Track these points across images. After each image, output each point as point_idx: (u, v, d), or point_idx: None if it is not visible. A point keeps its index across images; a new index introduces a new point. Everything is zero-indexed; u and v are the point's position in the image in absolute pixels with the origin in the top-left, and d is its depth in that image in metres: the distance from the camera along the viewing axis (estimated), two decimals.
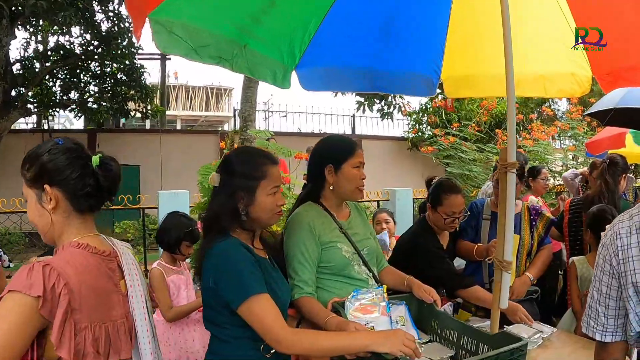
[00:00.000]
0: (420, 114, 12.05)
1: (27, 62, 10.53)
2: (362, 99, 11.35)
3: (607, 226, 1.55)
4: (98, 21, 9.98)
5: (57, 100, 10.71)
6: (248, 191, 1.75)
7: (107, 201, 1.54)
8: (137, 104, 11.40)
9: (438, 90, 3.57)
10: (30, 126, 13.85)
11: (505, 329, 2.39)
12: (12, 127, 11.09)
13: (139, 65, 10.92)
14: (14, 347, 1.22)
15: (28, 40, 10.73)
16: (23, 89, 10.23)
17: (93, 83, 10.84)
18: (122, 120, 15.16)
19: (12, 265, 3.98)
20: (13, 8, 8.82)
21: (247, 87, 9.55)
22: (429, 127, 11.21)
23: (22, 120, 13.10)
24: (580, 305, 2.95)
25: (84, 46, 10.43)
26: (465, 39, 3.15)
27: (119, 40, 10.09)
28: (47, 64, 10.43)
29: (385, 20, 2.91)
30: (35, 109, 10.81)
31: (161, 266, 3.02)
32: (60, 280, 1.29)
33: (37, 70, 10.43)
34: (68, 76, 10.78)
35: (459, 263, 3.40)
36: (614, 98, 4.25)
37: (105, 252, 1.50)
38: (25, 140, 11.33)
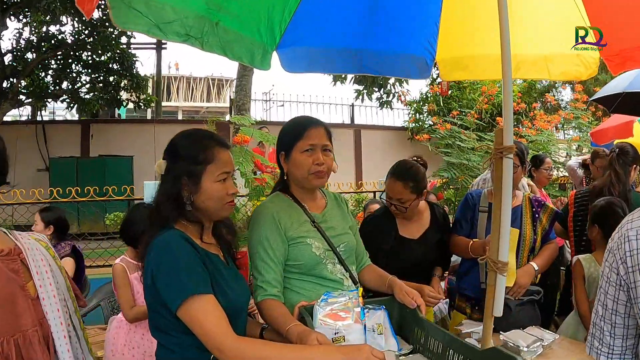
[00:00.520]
0: (421, 103, 11.79)
1: (18, 53, 10.31)
2: (360, 88, 11.07)
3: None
4: None
5: (49, 91, 10.49)
6: (192, 177, 1.55)
7: None
8: (130, 94, 11.17)
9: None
10: (24, 118, 13.63)
11: (501, 335, 2.17)
12: (5, 119, 10.91)
13: (130, 54, 10.68)
14: None
15: (20, 30, 10.51)
16: (14, 80, 10.02)
17: (85, 73, 10.62)
18: (119, 111, 14.98)
19: None
20: None
21: (242, 75, 9.38)
22: (429, 117, 10.95)
23: (15, 112, 12.96)
24: (587, 308, 2.63)
25: (75, 35, 10.21)
26: (460, 17, 2.94)
27: (110, 29, 9.85)
28: (37, 54, 10.20)
29: None
30: (27, 100, 10.59)
31: (124, 262, 2.80)
32: None
33: (29, 60, 10.22)
34: (59, 66, 10.56)
35: (455, 259, 3.16)
36: (622, 82, 3.99)
37: (3, 251, 1.27)
38: (17, 132, 11.18)
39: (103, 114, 12.19)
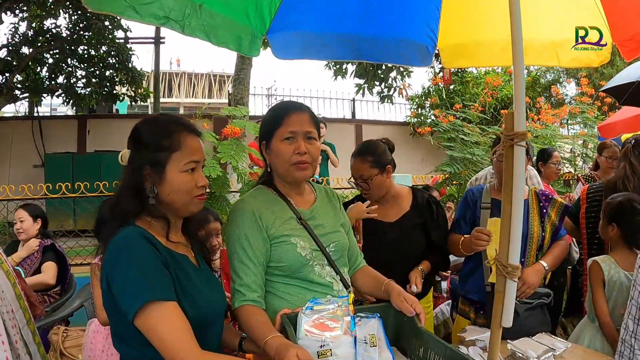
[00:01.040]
0: (423, 98, 11.56)
1: (13, 48, 10.15)
2: (361, 82, 10.85)
3: None
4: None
5: (45, 86, 10.33)
6: (155, 166, 1.39)
7: None
8: (126, 88, 10.99)
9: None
10: (21, 114, 13.48)
11: (509, 344, 1.99)
12: (2, 115, 10.80)
13: (127, 48, 10.51)
14: None
15: (16, 25, 10.36)
16: (9, 75, 9.86)
17: (80, 67, 10.45)
18: (118, 107, 14.82)
19: None
20: None
21: (240, 68, 9.21)
22: (431, 112, 10.74)
23: (12, 108, 12.81)
24: (607, 316, 2.37)
25: (71, 29, 10.04)
26: (464, 1, 2.77)
27: (106, 23, 9.68)
28: (32, 49, 10.05)
29: None
30: (22, 95, 10.43)
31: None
32: None
33: (24, 55, 10.06)
34: (55, 60, 10.39)
35: (454, 258, 2.97)
36: (634, 71, 3.79)
37: None
38: (13, 127, 11.04)
39: (100, 109, 12.00)
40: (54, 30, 10.19)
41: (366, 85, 10.72)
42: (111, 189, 5.68)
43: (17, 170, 10.61)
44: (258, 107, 14.34)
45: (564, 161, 7.27)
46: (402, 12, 2.71)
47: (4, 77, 9.98)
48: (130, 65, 10.36)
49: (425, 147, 7.60)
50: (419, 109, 11.55)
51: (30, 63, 10.23)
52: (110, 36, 10.15)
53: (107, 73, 10.40)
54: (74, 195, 5.80)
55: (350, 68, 10.73)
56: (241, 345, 1.61)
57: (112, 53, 10.29)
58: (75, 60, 10.42)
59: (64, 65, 10.35)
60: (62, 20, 10.22)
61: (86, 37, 10.06)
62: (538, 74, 13.22)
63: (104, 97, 10.41)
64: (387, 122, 13.36)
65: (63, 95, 10.37)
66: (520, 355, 1.90)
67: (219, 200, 3.81)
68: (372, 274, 1.91)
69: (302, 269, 1.67)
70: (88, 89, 10.31)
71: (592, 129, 7.62)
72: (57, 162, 9.94)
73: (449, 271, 3.70)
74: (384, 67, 10.36)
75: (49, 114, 13.91)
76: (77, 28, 10.03)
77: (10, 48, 10.13)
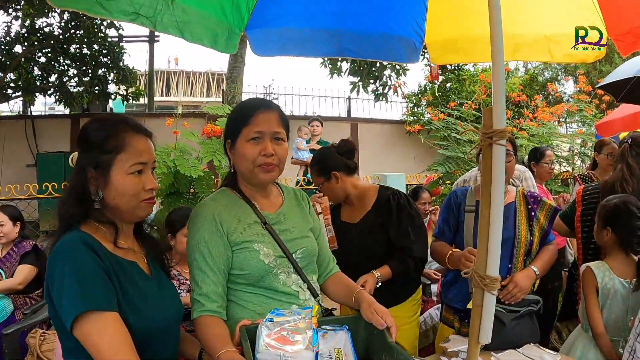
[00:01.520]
0: (419, 96, 11.44)
1: (6, 47, 10.05)
2: (355, 80, 10.73)
3: None
4: None
5: (37, 85, 10.23)
6: (99, 168, 1.31)
7: None
8: (118, 87, 10.89)
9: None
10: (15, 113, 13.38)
11: (492, 357, 1.88)
12: None
13: (119, 46, 10.40)
14: None
15: (9, 24, 10.26)
16: (1, 74, 9.76)
17: (72, 66, 10.35)
18: (113, 106, 14.71)
19: None
20: None
21: (233, 67, 9.10)
22: (427, 110, 10.63)
23: (6, 107, 12.72)
24: (602, 326, 2.27)
25: (63, 28, 9.94)
26: None
27: (98, 21, 9.57)
28: (25, 47, 9.96)
29: None
30: (15, 94, 10.33)
31: None
32: None
33: (16, 54, 9.97)
34: (47, 59, 10.28)
35: (437, 266, 2.87)
36: (633, 66, 3.66)
37: None
38: (6, 126, 10.92)
39: (94, 108, 11.90)
40: (46, 29, 10.09)
41: (361, 83, 10.60)
42: (59, 190, 5.58)
43: (9, 170, 10.52)
44: None
45: (562, 160, 7.18)
46: (386, 6, 2.63)
47: None
48: (122, 64, 10.25)
49: (421, 145, 7.50)
50: (415, 107, 11.43)
51: (22, 62, 10.13)
52: (101, 34, 10.05)
53: (100, 72, 10.28)
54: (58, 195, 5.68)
55: (345, 66, 10.62)
56: (201, 356, 1.51)
57: (104, 52, 10.18)
58: (67, 59, 10.31)
59: (55, 64, 10.26)
60: (54, 19, 10.12)
61: (78, 35, 9.96)
62: (535, 72, 13.10)
63: (96, 96, 10.30)
64: (383, 121, 13.23)
65: (55, 94, 10.27)
66: None
67: None
68: (344, 281, 1.81)
69: (265, 277, 1.57)
70: (80, 88, 10.21)
71: (590, 127, 7.52)
72: (50, 162, 9.85)
73: (440, 274, 3.60)
74: (378, 64, 10.24)
75: (46, 113, 13.83)
76: (69, 26, 9.93)
77: (2, 47, 10.04)
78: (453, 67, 10.91)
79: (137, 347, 1.22)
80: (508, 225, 2.33)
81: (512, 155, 2.45)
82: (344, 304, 1.75)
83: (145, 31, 13.70)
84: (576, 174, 4.45)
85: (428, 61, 9.26)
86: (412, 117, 11.01)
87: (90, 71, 10.25)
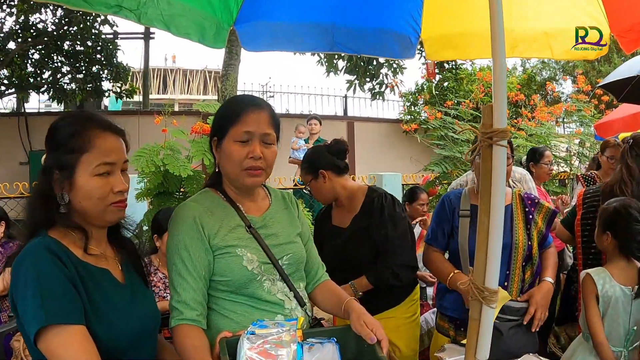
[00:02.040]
0: (416, 95, 11.35)
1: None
2: (352, 78, 10.64)
3: None
4: None
5: (30, 82, 10.13)
6: (63, 169, 1.22)
7: None
8: (112, 84, 10.81)
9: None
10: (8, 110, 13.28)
11: None
12: None
13: (114, 43, 10.32)
14: None
15: (2, 20, 10.15)
16: None
17: (66, 63, 10.25)
18: (109, 103, 14.62)
19: None
20: None
21: (228, 64, 8.98)
22: (424, 109, 10.56)
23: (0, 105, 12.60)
24: (602, 334, 2.18)
25: (56, 24, 9.85)
26: None
27: (91, 17, 9.49)
28: (18, 44, 9.86)
29: None
30: (8, 91, 10.22)
31: None
32: None
33: (9, 50, 9.87)
34: (40, 56, 10.19)
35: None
36: (632, 66, 3.58)
37: None
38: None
39: (89, 105, 11.79)
40: (39, 26, 10.00)
41: (357, 81, 10.51)
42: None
43: (2, 168, 10.42)
44: None
45: (560, 160, 7.11)
46: (381, 0, 2.53)
47: None
48: (115, 61, 10.16)
49: (418, 145, 7.42)
50: (412, 106, 11.34)
51: (15, 58, 10.03)
52: (95, 31, 9.96)
53: (93, 69, 10.21)
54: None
55: (342, 64, 10.53)
56: None
57: (98, 48, 10.10)
58: (60, 55, 10.23)
59: (49, 60, 10.17)
60: (47, 15, 10.03)
61: (71, 32, 9.87)
62: (534, 71, 13.04)
63: (90, 93, 10.22)
64: (380, 120, 13.17)
65: (49, 91, 10.17)
66: None
67: None
68: (334, 289, 1.70)
69: (248, 285, 1.47)
70: (73, 85, 10.12)
71: (588, 128, 7.44)
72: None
73: (435, 277, 3.51)
74: (374, 62, 10.16)
75: (40, 111, 13.73)
76: (62, 23, 9.84)
77: None
78: (450, 66, 10.85)
79: (107, 359, 1.15)
80: (505, 230, 2.21)
81: (510, 158, 2.36)
82: (333, 313, 1.65)
83: (140, 28, 13.61)
84: (579, 174, 4.35)
85: (425, 59, 9.25)
86: (408, 116, 10.93)
87: (83, 68, 10.18)
